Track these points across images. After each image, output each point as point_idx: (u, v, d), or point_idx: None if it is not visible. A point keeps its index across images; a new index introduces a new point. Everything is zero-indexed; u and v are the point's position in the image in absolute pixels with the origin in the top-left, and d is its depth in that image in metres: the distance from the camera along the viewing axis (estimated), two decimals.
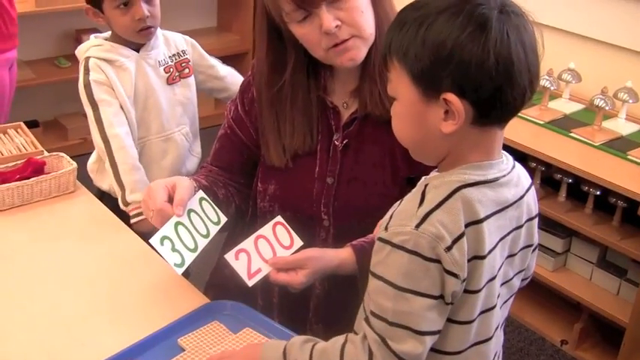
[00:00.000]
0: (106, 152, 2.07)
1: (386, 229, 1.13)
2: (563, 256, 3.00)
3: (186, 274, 1.93)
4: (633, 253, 2.66)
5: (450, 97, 1.07)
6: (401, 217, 1.12)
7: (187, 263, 1.46)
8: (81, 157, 2.12)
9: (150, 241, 1.47)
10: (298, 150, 1.60)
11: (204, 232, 1.52)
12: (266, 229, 1.51)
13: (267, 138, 1.63)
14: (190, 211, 1.51)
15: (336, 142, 1.60)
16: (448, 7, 1.07)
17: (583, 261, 2.95)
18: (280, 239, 1.51)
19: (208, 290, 1.84)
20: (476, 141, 1.13)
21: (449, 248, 1.08)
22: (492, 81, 1.06)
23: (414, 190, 1.18)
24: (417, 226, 1.09)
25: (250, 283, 1.46)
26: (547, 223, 2.98)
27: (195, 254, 1.48)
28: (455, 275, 1.09)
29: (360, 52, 1.50)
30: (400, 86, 1.13)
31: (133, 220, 2.04)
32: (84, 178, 2.15)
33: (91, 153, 2.23)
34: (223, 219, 1.54)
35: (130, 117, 2.10)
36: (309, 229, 1.62)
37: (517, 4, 1.12)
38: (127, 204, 2.07)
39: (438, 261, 1.08)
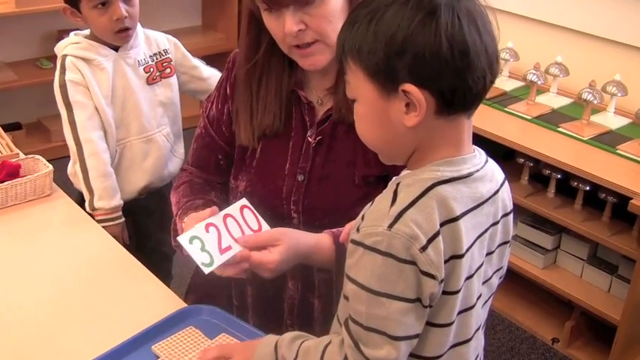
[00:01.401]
0: (77, 155, 2.04)
1: (357, 230, 1.10)
2: (553, 253, 2.97)
3: (168, 278, 1.90)
4: (624, 249, 2.63)
5: (409, 87, 1.04)
6: (373, 217, 1.09)
7: (217, 264, 1.40)
8: (64, 159, 2.09)
9: (178, 238, 1.43)
10: (267, 130, 1.57)
11: (238, 235, 1.47)
12: (233, 210, 1.48)
13: (239, 115, 1.60)
14: (227, 215, 1.47)
15: (310, 139, 1.57)
16: None
17: (573, 258, 2.92)
18: (248, 222, 1.48)
19: (189, 294, 1.82)
20: (443, 133, 1.10)
21: (424, 248, 1.05)
22: (449, 67, 1.03)
23: (384, 190, 1.14)
24: (390, 226, 1.05)
25: (217, 262, 1.40)
26: (536, 220, 2.96)
27: (227, 256, 1.42)
28: (432, 276, 1.05)
29: (324, 57, 1.47)
30: (358, 86, 1.11)
31: (101, 225, 1.99)
32: (65, 180, 2.11)
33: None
34: (265, 227, 1.50)
35: (105, 118, 2.05)
36: (279, 227, 1.58)
37: None
38: (94, 209, 2.04)
39: (412, 262, 1.05)
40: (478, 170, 1.13)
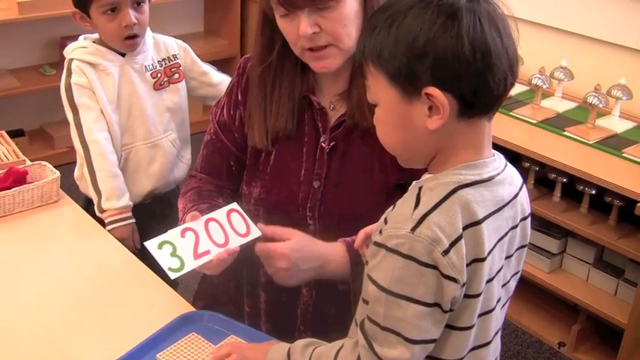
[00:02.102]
0: (84, 157, 2.04)
1: (380, 232, 1.10)
2: (559, 257, 2.97)
3: (174, 285, 1.90)
4: (630, 253, 2.62)
5: (432, 90, 1.05)
6: (396, 220, 1.09)
7: (187, 269, 1.40)
8: (68, 165, 2.08)
9: (145, 243, 1.42)
10: (280, 132, 1.56)
11: (221, 242, 1.47)
12: (219, 214, 1.48)
13: (253, 117, 1.60)
14: (210, 219, 1.47)
15: (323, 145, 1.56)
16: (416, 3, 1.07)
17: (579, 261, 2.92)
18: (235, 226, 1.48)
19: (197, 300, 1.81)
20: (465, 136, 1.10)
21: (446, 252, 1.05)
22: (471, 69, 1.04)
23: (406, 193, 1.14)
24: (413, 229, 1.05)
25: (189, 266, 1.40)
26: (542, 224, 2.95)
27: (203, 261, 1.42)
28: (454, 280, 1.05)
29: (336, 60, 1.47)
30: (379, 90, 1.11)
31: (108, 227, 2.00)
32: (69, 187, 2.11)
33: (76, 161, 2.19)
34: (255, 233, 1.50)
35: (111, 124, 2.05)
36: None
37: None
38: (102, 211, 2.03)
39: (434, 266, 1.05)
40: (499, 174, 1.14)
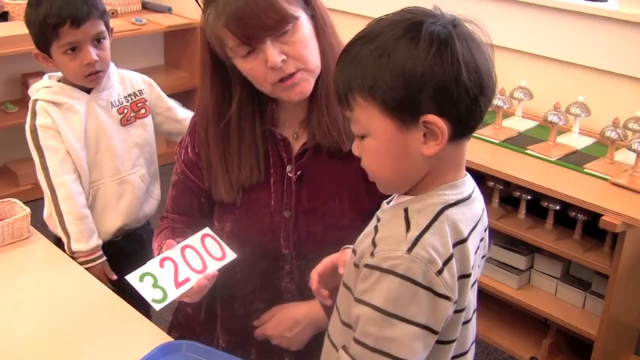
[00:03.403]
0: (52, 200, 2.03)
1: (372, 255, 1.10)
2: (527, 273, 3.01)
3: (147, 316, 1.90)
4: (596, 266, 2.67)
5: (431, 118, 1.06)
6: (389, 242, 1.10)
7: (171, 299, 1.41)
8: (33, 202, 2.06)
9: (126, 277, 1.43)
10: (245, 183, 1.57)
11: (199, 268, 1.47)
12: (193, 240, 1.50)
13: (215, 173, 1.60)
14: (186, 247, 1.48)
15: (290, 174, 1.57)
16: (404, 33, 1.07)
17: (547, 277, 2.96)
18: (210, 251, 1.50)
19: (172, 330, 1.81)
20: (451, 157, 1.13)
21: (440, 272, 1.07)
22: (468, 93, 1.06)
23: (386, 216, 1.16)
24: (409, 250, 1.07)
25: (171, 296, 1.42)
26: (509, 241, 3.00)
27: (184, 289, 1.43)
28: (447, 298, 1.08)
29: (309, 84, 1.49)
30: (372, 122, 1.10)
31: (83, 266, 1.98)
32: (37, 223, 2.09)
33: (42, 197, 2.17)
34: (231, 255, 1.51)
35: (78, 161, 2.04)
36: (272, 263, 1.61)
37: (462, 16, 1.13)
38: (72, 252, 2.02)
39: (428, 287, 1.06)
40: (473, 191, 1.17)
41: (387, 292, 1.07)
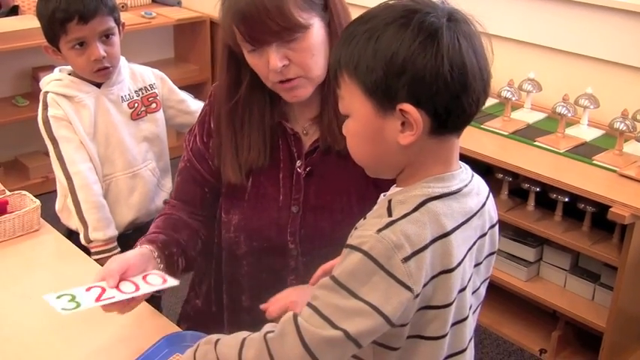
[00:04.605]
0: (68, 189, 2.04)
1: (350, 237, 1.11)
2: (536, 265, 3.01)
3: (158, 309, 1.91)
4: (605, 257, 2.67)
5: (407, 107, 1.05)
6: (366, 226, 1.10)
7: (82, 308, 1.40)
8: (44, 195, 2.08)
9: (44, 296, 1.43)
10: (253, 165, 1.57)
11: (130, 290, 1.46)
12: (136, 278, 1.49)
13: (224, 153, 1.60)
14: (124, 280, 1.48)
15: (299, 170, 1.58)
16: (396, 18, 1.07)
17: (556, 269, 2.96)
18: (150, 281, 1.49)
19: (181, 322, 1.82)
20: (434, 152, 1.12)
21: (406, 259, 1.05)
22: (448, 89, 1.05)
23: (376, 206, 1.16)
24: (379, 231, 1.06)
25: (85, 306, 1.40)
26: (518, 233, 3.00)
27: (102, 303, 1.43)
28: (407, 287, 1.05)
29: (306, 90, 1.48)
30: (353, 102, 1.11)
31: (94, 257, 2.01)
32: (47, 216, 2.11)
33: (53, 191, 2.19)
34: (171, 282, 1.50)
35: (91, 154, 2.06)
36: (278, 258, 1.61)
37: (464, 11, 1.12)
38: (89, 241, 2.04)
39: (388, 272, 1.05)
40: (466, 185, 1.15)
41: (347, 265, 1.07)
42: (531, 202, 2.94)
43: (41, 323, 1.64)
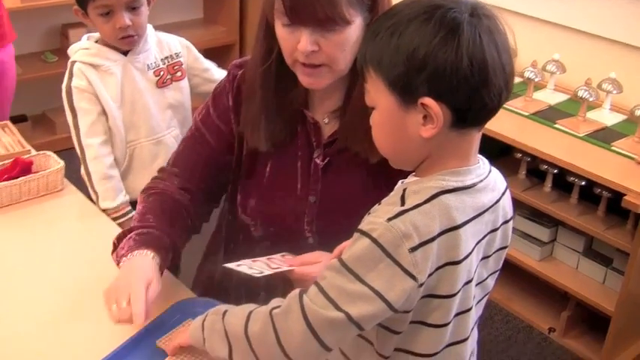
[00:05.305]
0: (81, 159, 2.11)
1: (362, 221, 1.14)
2: (550, 246, 3.03)
3: (175, 272, 1.96)
4: (618, 243, 2.69)
5: (428, 101, 1.08)
6: (377, 213, 1.13)
7: (266, 274, 1.44)
8: (69, 150, 2.13)
9: (225, 265, 1.47)
10: (278, 136, 1.56)
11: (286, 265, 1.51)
12: (274, 256, 1.53)
13: (255, 118, 1.58)
14: (270, 259, 1.52)
15: (317, 160, 1.58)
16: (419, 14, 1.09)
17: (569, 250, 2.98)
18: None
19: (195, 287, 1.85)
20: (454, 145, 1.14)
21: (413, 249, 1.08)
22: (468, 83, 1.07)
23: (392, 192, 1.18)
24: (389, 219, 1.09)
25: (267, 272, 1.44)
26: (533, 213, 3.02)
27: (277, 271, 1.46)
28: (412, 276, 1.08)
29: (325, 80, 1.47)
30: (378, 95, 1.14)
31: (116, 222, 2.06)
32: (73, 172, 2.17)
33: None
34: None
35: (114, 122, 2.11)
36: (294, 244, 1.61)
37: (488, 6, 1.13)
38: (102, 210, 2.10)
39: (394, 260, 1.08)
40: (482, 180, 1.17)
41: (355, 249, 1.10)
42: (548, 183, 2.95)
43: (60, 284, 1.70)
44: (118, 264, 1.52)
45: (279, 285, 1.54)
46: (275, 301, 1.21)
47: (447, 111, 1.09)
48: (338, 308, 1.10)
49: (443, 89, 1.07)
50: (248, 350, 1.19)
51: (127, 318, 1.38)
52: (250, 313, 1.21)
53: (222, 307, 1.29)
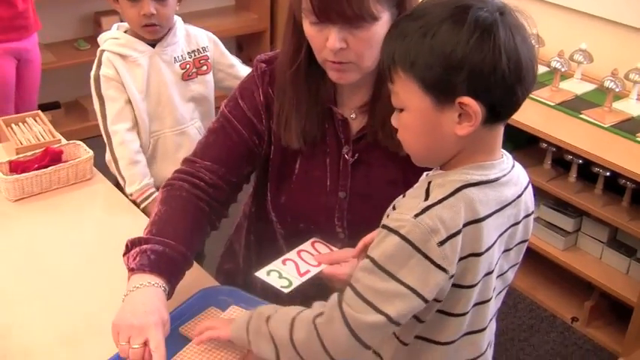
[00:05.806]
0: (107, 145, 2.16)
1: (387, 216, 1.17)
2: (574, 236, 3.04)
3: (200, 260, 2.00)
4: None
5: (466, 100, 1.09)
6: (403, 208, 1.15)
7: (296, 284, 1.47)
8: (100, 137, 2.18)
9: (256, 274, 1.49)
10: (309, 134, 1.57)
11: (315, 263, 1.53)
12: (305, 245, 1.56)
13: (288, 117, 1.58)
14: (301, 250, 1.55)
15: (346, 156, 1.58)
16: (450, 14, 1.10)
17: (594, 240, 2.99)
18: (321, 252, 1.55)
19: (219, 275, 1.89)
20: (483, 140, 1.16)
21: (442, 243, 1.11)
22: (504, 81, 1.09)
23: (416, 185, 1.21)
24: (416, 215, 1.12)
25: (296, 283, 1.46)
26: (558, 203, 3.03)
27: (307, 277, 1.48)
28: (444, 270, 1.11)
29: (354, 75, 1.48)
30: (409, 97, 1.14)
31: (141, 207, 2.11)
32: (102, 163, 2.22)
33: None
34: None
35: (138, 112, 2.16)
36: (325, 239, 1.61)
37: (511, 4, 1.15)
38: (129, 194, 2.15)
39: (425, 255, 1.11)
40: (505, 175, 1.20)
41: (385, 248, 1.13)
42: (573, 173, 2.96)
43: (85, 269, 1.75)
44: (128, 269, 1.49)
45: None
46: (317, 306, 1.24)
47: (483, 108, 1.11)
48: (377, 310, 1.13)
49: (481, 88, 1.09)
50: (295, 354, 1.23)
51: (139, 359, 1.34)
52: (294, 320, 1.24)
53: (264, 310, 1.31)
